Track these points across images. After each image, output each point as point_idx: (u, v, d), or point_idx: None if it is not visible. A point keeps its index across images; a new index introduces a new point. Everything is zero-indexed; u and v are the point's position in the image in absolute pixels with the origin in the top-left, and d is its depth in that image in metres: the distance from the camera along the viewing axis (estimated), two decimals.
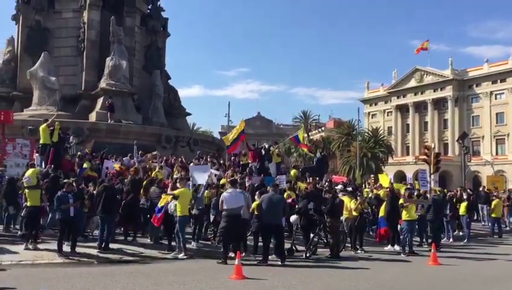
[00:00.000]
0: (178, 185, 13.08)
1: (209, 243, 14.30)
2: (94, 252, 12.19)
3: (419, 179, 22.27)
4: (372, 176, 25.79)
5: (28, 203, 12.27)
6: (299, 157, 66.57)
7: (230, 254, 11.66)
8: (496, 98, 66.53)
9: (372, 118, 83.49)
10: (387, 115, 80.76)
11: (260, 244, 12.27)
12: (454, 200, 20.05)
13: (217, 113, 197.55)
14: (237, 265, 9.78)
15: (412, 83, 75.01)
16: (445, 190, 23.32)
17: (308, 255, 12.96)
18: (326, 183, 19.05)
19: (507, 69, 64.44)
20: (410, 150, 74.10)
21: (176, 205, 12.53)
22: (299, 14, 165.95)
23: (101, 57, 27.48)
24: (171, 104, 31.48)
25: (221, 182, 16.34)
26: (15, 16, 30.23)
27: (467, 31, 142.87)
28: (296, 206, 14.53)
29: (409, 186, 19.07)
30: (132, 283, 9.12)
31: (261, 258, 11.80)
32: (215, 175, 17.43)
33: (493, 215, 21.21)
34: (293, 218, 13.59)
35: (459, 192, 22.03)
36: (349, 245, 14.67)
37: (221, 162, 22.69)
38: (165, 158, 20.91)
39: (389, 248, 15.39)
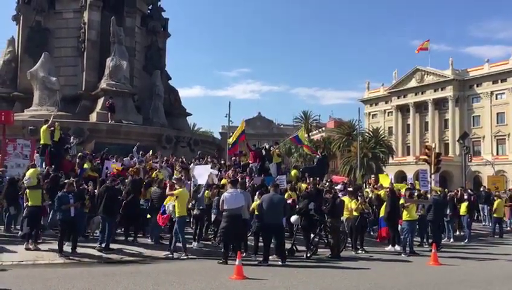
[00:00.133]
0: (176, 185, 13.08)
1: (210, 243, 14.30)
2: (95, 252, 12.19)
3: (420, 179, 22.25)
4: (372, 176, 25.77)
5: (29, 203, 12.27)
6: (300, 158, 66.57)
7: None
8: (496, 98, 66.48)
9: (372, 118, 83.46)
10: (388, 115, 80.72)
11: (261, 244, 12.26)
12: (455, 200, 20.04)
13: (218, 114, 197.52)
14: (238, 265, 9.79)
15: (413, 83, 74.96)
16: (445, 190, 23.29)
17: (308, 255, 12.96)
18: (327, 184, 19.05)
19: (508, 69, 64.37)
20: (410, 150, 74.05)
21: (174, 205, 12.55)
22: (300, 15, 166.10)
23: (101, 58, 27.50)
24: (172, 105, 31.50)
25: (222, 182, 16.35)
26: (15, 16, 30.26)
27: (468, 31, 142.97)
28: (297, 206, 14.53)
29: (409, 187, 19.05)
30: (133, 283, 9.12)
31: (261, 259, 11.79)
32: (216, 175, 17.43)
33: (495, 215, 21.19)
34: (293, 218, 13.59)
35: (459, 192, 22.02)
36: (350, 245, 14.66)
37: (222, 162, 22.70)
38: (165, 158, 20.92)
39: (389, 248, 15.38)
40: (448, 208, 18.62)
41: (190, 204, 13.79)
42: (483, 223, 24.04)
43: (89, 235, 14.00)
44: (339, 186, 19.30)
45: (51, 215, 13.74)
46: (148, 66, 30.57)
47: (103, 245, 12.40)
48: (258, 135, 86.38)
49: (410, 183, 22.40)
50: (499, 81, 65.74)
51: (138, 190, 14.64)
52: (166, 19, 33.00)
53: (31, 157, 17.02)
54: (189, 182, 14.84)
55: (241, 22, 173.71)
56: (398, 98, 77.55)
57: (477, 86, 68.49)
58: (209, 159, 21.30)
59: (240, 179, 15.18)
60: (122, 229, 14.63)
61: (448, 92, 70.07)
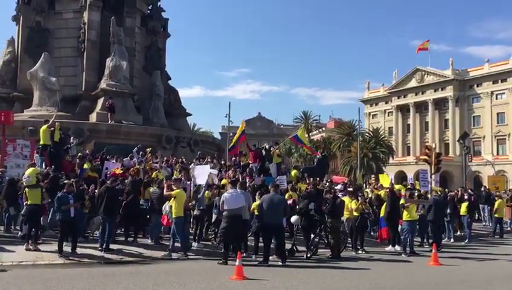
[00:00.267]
0: (173, 185, 13.07)
1: (210, 243, 14.29)
2: (95, 252, 12.18)
3: (420, 179, 22.23)
4: (373, 176, 25.77)
5: (29, 202, 12.27)
6: (300, 158, 66.58)
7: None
8: (496, 98, 66.48)
9: (372, 118, 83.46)
10: (388, 115, 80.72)
11: (261, 244, 12.24)
12: (455, 201, 20.02)
13: (218, 114, 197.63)
14: (238, 266, 9.78)
15: (413, 83, 74.97)
16: (446, 190, 23.27)
17: (309, 255, 12.94)
18: (327, 184, 19.04)
19: (508, 69, 64.38)
20: (411, 150, 74.06)
21: (170, 206, 12.56)
22: (300, 15, 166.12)
23: (101, 58, 27.48)
24: (172, 105, 31.48)
25: (222, 182, 16.33)
26: (15, 16, 30.24)
27: (467, 31, 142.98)
28: (296, 206, 14.51)
29: (409, 187, 19.04)
30: (133, 284, 9.11)
31: (261, 259, 11.77)
32: (216, 175, 17.41)
33: (496, 215, 21.17)
34: (293, 218, 13.58)
35: (460, 192, 22.00)
36: (350, 246, 14.64)
37: (222, 162, 22.68)
38: (165, 158, 20.90)
39: (389, 248, 15.37)
40: (448, 208, 18.59)
41: (190, 204, 13.78)
42: (484, 223, 24.03)
43: (89, 235, 13.99)
44: (339, 187, 19.29)
45: (50, 216, 13.73)
46: (148, 66, 30.56)
47: (104, 246, 12.40)
48: (258, 135, 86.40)
49: (411, 184, 22.38)
50: (499, 81, 65.75)
51: (138, 191, 14.64)
52: (166, 19, 32.99)
53: (30, 157, 16.99)
54: (189, 182, 14.84)
55: (241, 22, 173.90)
56: (398, 98, 77.56)
57: (478, 86, 68.50)
58: (209, 159, 21.29)
59: (240, 179, 15.19)
60: (122, 229, 14.61)
61: (449, 92, 70.08)
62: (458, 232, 19.82)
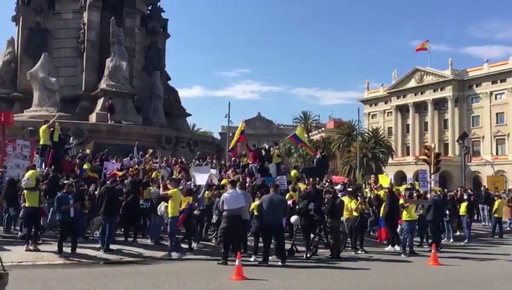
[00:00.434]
0: (169, 185, 13.09)
1: (210, 243, 14.29)
2: (94, 253, 12.19)
3: (420, 180, 22.26)
4: (372, 176, 25.74)
5: (26, 204, 12.27)
6: (300, 158, 66.60)
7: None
8: (496, 98, 66.53)
9: (372, 118, 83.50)
10: (388, 116, 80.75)
11: (260, 245, 12.25)
12: (454, 201, 20.03)
13: (217, 114, 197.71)
14: (238, 266, 9.78)
15: (412, 83, 75.01)
16: (445, 190, 23.29)
17: (308, 255, 12.95)
18: (327, 184, 19.05)
19: (507, 69, 64.42)
20: (410, 150, 74.10)
21: (166, 206, 12.57)
22: (300, 15, 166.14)
23: (101, 58, 27.48)
24: (171, 105, 31.48)
25: (222, 182, 16.34)
26: (15, 17, 30.24)
27: (467, 31, 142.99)
28: (296, 206, 14.52)
29: (409, 187, 19.05)
30: (133, 284, 9.12)
31: (261, 259, 11.78)
32: (216, 175, 17.43)
33: (496, 215, 21.18)
34: (293, 218, 13.59)
35: (459, 192, 22.01)
36: (350, 246, 14.65)
37: (222, 162, 22.68)
38: (165, 158, 20.91)
39: (389, 248, 15.38)
40: (447, 208, 18.61)
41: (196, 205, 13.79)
42: (483, 223, 24.04)
43: (89, 236, 14.00)
44: (338, 187, 19.30)
45: (50, 216, 13.74)
46: (148, 67, 30.56)
47: (104, 246, 12.41)
48: (257, 135, 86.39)
49: (410, 184, 22.40)
50: (498, 81, 65.80)
51: (138, 191, 14.64)
52: (166, 20, 32.99)
53: (30, 158, 16.99)
54: (188, 183, 14.85)
55: (240, 22, 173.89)
56: (398, 98, 77.60)
57: (477, 86, 68.55)
58: (208, 160, 21.30)
59: (240, 179, 15.19)
60: (122, 229, 14.62)
61: (448, 92, 70.12)
62: (457, 232, 19.83)
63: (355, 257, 13.68)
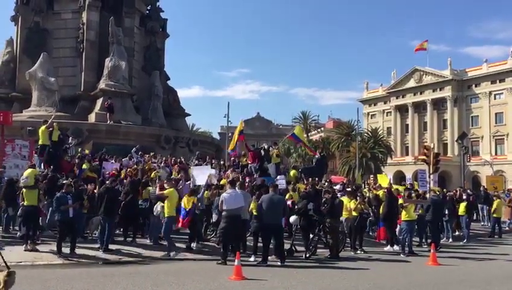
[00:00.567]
0: (165, 185, 13.08)
1: (209, 243, 14.28)
2: (93, 253, 12.18)
3: (419, 179, 22.27)
4: (371, 176, 25.76)
5: (25, 203, 12.25)
6: (299, 158, 66.62)
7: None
8: (495, 98, 66.57)
9: (371, 118, 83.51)
10: (387, 115, 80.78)
11: (260, 245, 12.25)
12: (454, 200, 20.03)
13: (217, 114, 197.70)
14: (237, 266, 9.78)
15: (411, 83, 75.03)
16: (444, 190, 23.30)
17: (307, 255, 12.94)
18: (326, 184, 19.03)
19: (506, 69, 64.47)
20: (409, 150, 74.15)
21: (162, 206, 12.57)
22: (299, 15, 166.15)
23: (100, 58, 27.48)
24: (171, 105, 31.48)
25: (221, 182, 16.33)
26: (14, 17, 30.22)
27: (467, 31, 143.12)
28: (295, 207, 14.50)
29: (408, 187, 19.05)
30: (132, 284, 9.11)
31: (260, 259, 11.78)
32: (216, 175, 17.41)
33: (494, 215, 21.19)
34: (292, 218, 13.57)
35: (458, 192, 22.01)
36: (349, 246, 14.64)
37: (222, 162, 22.68)
38: (164, 159, 20.91)
39: (388, 248, 15.37)
40: (446, 208, 18.61)
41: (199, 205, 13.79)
42: (482, 223, 24.06)
43: (88, 236, 13.98)
44: (337, 187, 19.29)
45: (49, 216, 13.72)
46: (147, 67, 30.56)
47: (103, 246, 12.39)
48: (257, 135, 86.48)
49: (409, 184, 22.41)
50: (498, 81, 65.84)
51: (137, 191, 14.63)
52: (165, 19, 32.99)
53: (29, 158, 16.98)
54: (188, 183, 14.84)
55: (240, 22, 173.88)
56: (397, 98, 77.63)
57: (476, 86, 68.59)
58: (208, 160, 21.28)
59: (239, 179, 15.17)
60: (121, 229, 14.61)
61: (447, 92, 70.17)
62: (456, 232, 19.83)
63: (354, 257, 13.68)
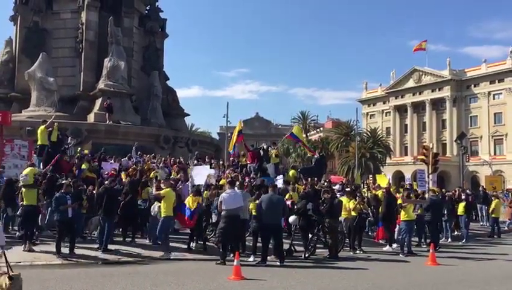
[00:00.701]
0: (162, 185, 13.07)
1: (208, 243, 14.27)
2: (92, 253, 12.17)
3: (418, 179, 22.29)
4: (370, 176, 25.80)
5: (24, 203, 12.24)
6: (298, 158, 66.63)
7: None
8: (494, 98, 66.63)
9: (370, 118, 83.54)
10: (386, 116, 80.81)
11: (259, 245, 12.25)
12: (453, 200, 20.04)
13: (216, 114, 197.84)
14: (236, 266, 9.78)
15: (410, 84, 75.08)
16: (443, 190, 23.30)
17: (307, 255, 12.95)
18: (325, 184, 19.03)
19: (505, 69, 64.53)
20: (408, 150, 74.18)
21: (159, 206, 12.55)
22: (299, 15, 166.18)
23: (99, 58, 27.48)
24: (170, 105, 31.49)
25: (221, 182, 16.32)
26: (13, 16, 30.22)
27: (467, 31, 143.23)
28: (295, 207, 14.50)
29: (407, 187, 19.05)
30: (131, 284, 9.11)
31: (259, 259, 11.78)
32: (215, 175, 17.41)
33: (493, 215, 21.19)
34: (292, 218, 13.58)
35: (457, 192, 22.03)
36: (348, 246, 14.64)
37: (221, 162, 22.67)
38: (163, 159, 20.90)
39: (387, 248, 15.37)
40: (445, 208, 18.62)
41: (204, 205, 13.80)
42: (481, 223, 24.07)
43: (87, 236, 13.97)
44: (337, 187, 19.28)
45: (48, 216, 13.71)
46: (146, 67, 30.56)
47: (102, 246, 12.39)
48: (256, 135, 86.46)
49: (409, 184, 22.43)
50: (496, 81, 65.90)
51: (136, 191, 14.62)
52: (164, 19, 33.00)
53: (28, 158, 16.97)
54: (187, 183, 14.83)
55: (239, 22, 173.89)
56: (396, 98, 77.68)
57: (475, 86, 68.65)
58: (207, 160, 21.28)
59: (239, 178, 15.17)
60: (120, 229, 14.60)
61: (446, 92, 70.22)
62: (455, 232, 19.84)
63: (353, 257, 13.68)
